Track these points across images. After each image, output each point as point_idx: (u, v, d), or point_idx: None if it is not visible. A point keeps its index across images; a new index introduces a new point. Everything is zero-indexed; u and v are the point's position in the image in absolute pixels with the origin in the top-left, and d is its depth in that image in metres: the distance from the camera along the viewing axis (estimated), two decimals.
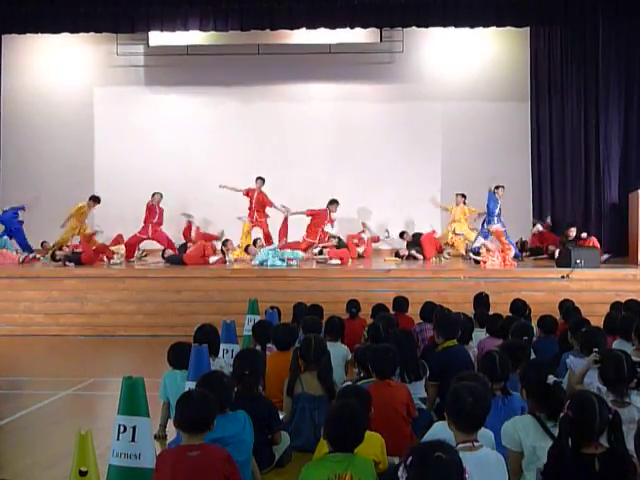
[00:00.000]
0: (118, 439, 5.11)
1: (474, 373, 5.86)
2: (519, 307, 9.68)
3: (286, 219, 18.55)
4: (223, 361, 7.60)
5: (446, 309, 9.62)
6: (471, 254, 17.23)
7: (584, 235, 17.00)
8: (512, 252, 16.32)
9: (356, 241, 18.61)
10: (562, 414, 4.28)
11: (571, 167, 18.63)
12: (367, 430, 5.27)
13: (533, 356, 7.26)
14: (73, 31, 18.70)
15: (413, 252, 18.22)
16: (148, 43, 20.46)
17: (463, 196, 19.06)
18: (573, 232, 17.55)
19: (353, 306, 10.09)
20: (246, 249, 17.80)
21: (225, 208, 18.88)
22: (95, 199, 18.95)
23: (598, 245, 16.49)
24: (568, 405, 4.28)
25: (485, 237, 17.60)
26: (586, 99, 17.77)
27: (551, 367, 5.24)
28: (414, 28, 18.96)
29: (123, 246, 18.45)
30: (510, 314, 9.38)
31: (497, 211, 17.53)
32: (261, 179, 18.65)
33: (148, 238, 18.26)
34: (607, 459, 4.08)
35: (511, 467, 4.86)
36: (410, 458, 3.19)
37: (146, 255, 18.92)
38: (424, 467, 3.15)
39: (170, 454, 4.72)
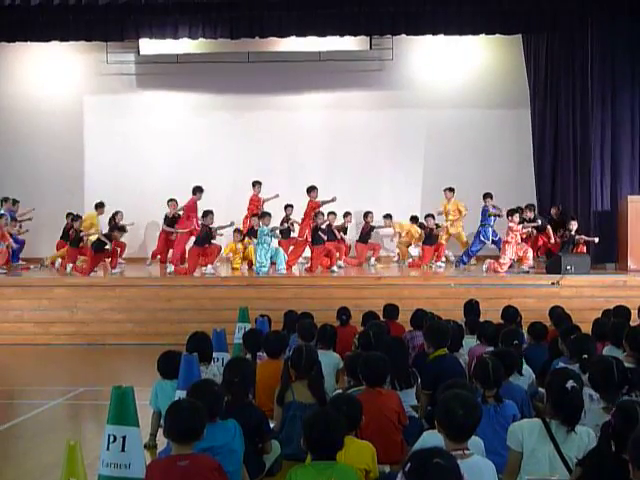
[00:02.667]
0: (108, 449, 5.09)
1: (462, 381, 5.86)
2: (510, 314, 9.69)
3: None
4: (215, 368, 7.58)
5: (437, 316, 9.63)
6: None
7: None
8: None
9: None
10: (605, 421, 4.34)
11: (563, 173, 18.68)
12: (358, 438, 5.29)
13: (524, 364, 7.26)
14: (63, 39, 18.65)
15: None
16: (138, 51, 20.43)
17: (451, 190, 18.97)
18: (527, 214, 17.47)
19: (344, 313, 10.06)
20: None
21: (216, 215, 18.83)
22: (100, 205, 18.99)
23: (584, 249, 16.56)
24: (613, 413, 4.36)
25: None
26: (577, 104, 17.82)
27: (575, 374, 5.23)
28: (404, 36, 18.99)
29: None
30: (501, 321, 9.40)
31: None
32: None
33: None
34: None
35: (509, 466, 4.92)
36: (409, 465, 3.19)
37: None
38: (423, 473, 3.15)
39: (160, 464, 4.70)
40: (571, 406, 4.93)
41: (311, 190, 17.96)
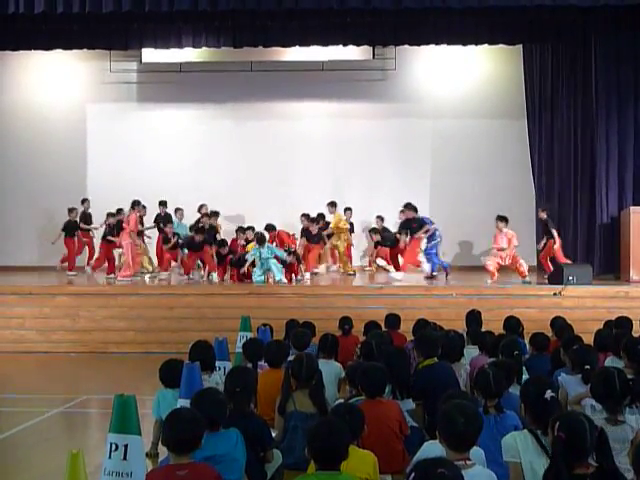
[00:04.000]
0: (110, 457, 5.08)
1: (461, 392, 5.85)
2: (512, 324, 9.69)
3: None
4: (218, 377, 7.58)
5: (438, 326, 9.62)
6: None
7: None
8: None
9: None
10: (554, 436, 4.27)
11: (567, 183, 18.67)
12: (360, 448, 5.28)
13: (525, 374, 7.25)
14: (66, 48, 18.76)
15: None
16: (141, 60, 20.52)
17: (332, 204, 18.87)
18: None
19: (346, 323, 10.05)
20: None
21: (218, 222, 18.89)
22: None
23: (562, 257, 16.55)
24: (559, 427, 4.26)
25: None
26: (580, 116, 17.85)
27: (551, 383, 5.23)
28: (406, 46, 19.04)
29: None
30: (503, 331, 9.40)
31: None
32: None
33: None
34: (599, 478, 4.08)
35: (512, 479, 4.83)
36: (413, 474, 3.19)
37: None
38: None
39: (159, 474, 4.68)
40: (551, 416, 4.90)
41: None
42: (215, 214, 18.49)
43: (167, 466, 4.72)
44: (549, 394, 4.97)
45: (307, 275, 17.39)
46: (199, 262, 17.75)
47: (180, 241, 17.50)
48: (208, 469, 4.71)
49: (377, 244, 18.62)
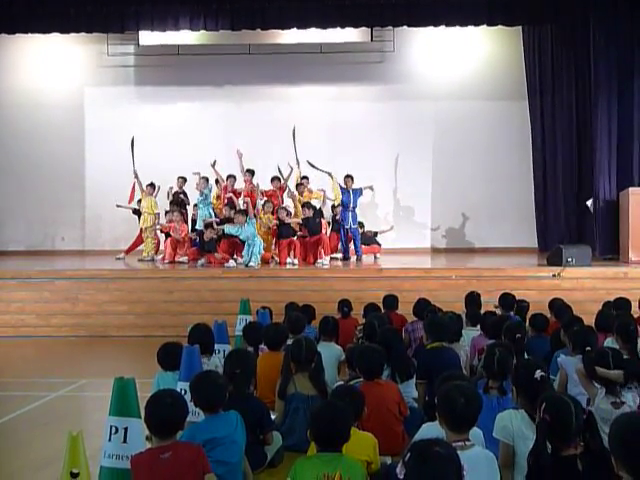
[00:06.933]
0: (110, 440, 5.10)
1: (459, 373, 5.87)
2: (509, 301, 9.74)
3: None
4: (217, 360, 7.59)
5: (438, 308, 9.63)
6: None
7: None
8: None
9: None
10: (539, 418, 4.28)
11: (568, 164, 18.65)
12: (359, 430, 5.29)
13: (526, 355, 7.26)
14: (63, 31, 18.64)
15: None
16: (138, 43, 20.44)
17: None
18: None
19: (345, 305, 10.06)
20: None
21: None
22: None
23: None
24: (544, 409, 4.27)
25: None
26: (580, 96, 17.84)
27: (540, 364, 5.24)
28: (405, 27, 18.98)
29: None
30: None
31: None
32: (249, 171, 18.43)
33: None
34: (588, 457, 4.09)
35: (501, 459, 4.83)
36: (409, 454, 3.19)
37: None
38: (423, 462, 3.15)
39: (143, 458, 4.67)
40: None
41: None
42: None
43: (150, 450, 4.73)
44: (539, 374, 4.97)
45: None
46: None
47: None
48: (192, 448, 4.72)
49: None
